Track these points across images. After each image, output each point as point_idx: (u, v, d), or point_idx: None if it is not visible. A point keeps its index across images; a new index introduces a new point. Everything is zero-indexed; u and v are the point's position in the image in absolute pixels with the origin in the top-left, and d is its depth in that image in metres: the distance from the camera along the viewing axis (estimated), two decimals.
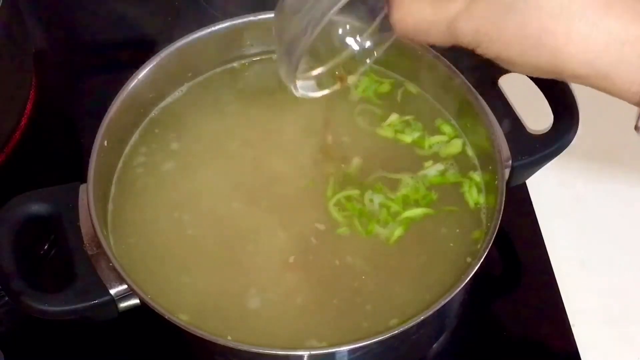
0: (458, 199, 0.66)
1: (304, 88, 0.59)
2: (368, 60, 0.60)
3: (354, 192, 0.65)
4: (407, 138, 0.69)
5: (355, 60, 0.60)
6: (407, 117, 0.70)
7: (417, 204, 0.65)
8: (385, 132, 0.69)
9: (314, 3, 0.49)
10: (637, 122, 0.44)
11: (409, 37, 0.50)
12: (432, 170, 0.67)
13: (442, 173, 0.67)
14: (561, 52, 0.44)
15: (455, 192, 0.66)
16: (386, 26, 0.54)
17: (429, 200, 0.65)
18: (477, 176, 0.67)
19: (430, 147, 0.68)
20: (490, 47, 0.46)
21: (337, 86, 0.61)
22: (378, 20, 0.56)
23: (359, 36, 0.58)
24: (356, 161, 0.68)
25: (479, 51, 0.47)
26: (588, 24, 0.43)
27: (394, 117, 0.70)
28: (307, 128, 0.70)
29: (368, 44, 0.58)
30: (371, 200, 0.65)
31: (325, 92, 0.61)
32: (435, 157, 0.68)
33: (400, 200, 0.65)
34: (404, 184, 0.66)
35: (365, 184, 0.66)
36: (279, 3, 0.54)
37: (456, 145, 0.68)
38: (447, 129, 0.70)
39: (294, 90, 0.58)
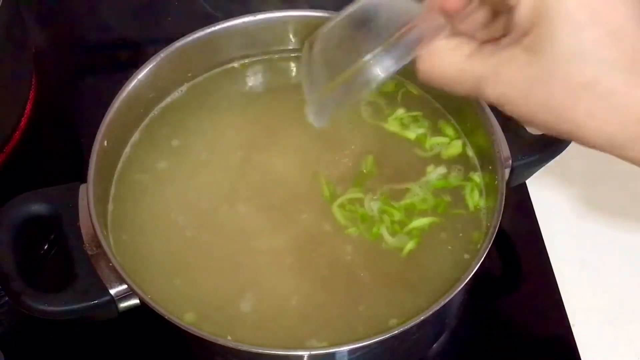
0: (459, 202, 0.66)
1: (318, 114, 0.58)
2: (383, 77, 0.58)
3: (357, 195, 0.65)
4: (411, 134, 0.69)
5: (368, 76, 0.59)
6: (415, 113, 0.70)
7: (424, 213, 0.64)
8: (392, 126, 0.69)
9: (352, 73, 0.50)
10: None
11: (432, 85, 0.50)
12: (435, 174, 0.67)
13: (445, 176, 0.67)
14: (581, 127, 0.45)
15: (455, 194, 0.66)
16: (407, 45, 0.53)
17: (441, 208, 0.65)
18: (477, 177, 0.67)
19: (431, 148, 0.68)
20: (514, 111, 0.47)
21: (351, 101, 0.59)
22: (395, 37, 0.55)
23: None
24: (358, 162, 0.68)
25: (501, 109, 0.48)
26: (610, 104, 0.44)
27: (401, 111, 0.70)
28: (308, 128, 0.70)
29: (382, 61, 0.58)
30: (370, 207, 0.65)
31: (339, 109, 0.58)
32: (437, 159, 0.68)
33: (403, 209, 0.64)
34: (412, 194, 0.65)
35: (366, 186, 0.66)
36: (307, 44, 0.53)
37: (457, 146, 0.68)
38: (448, 129, 0.70)
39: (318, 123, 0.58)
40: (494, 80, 0.46)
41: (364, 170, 0.67)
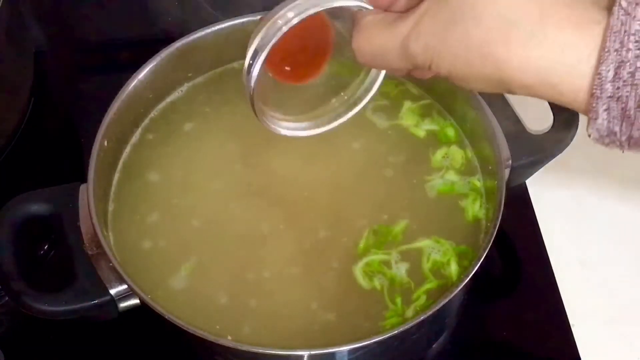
0: (456, 212, 0.66)
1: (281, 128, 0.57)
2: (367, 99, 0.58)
3: (382, 257, 0.63)
4: (421, 132, 0.69)
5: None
6: (425, 102, 0.70)
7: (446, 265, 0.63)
8: (407, 120, 0.70)
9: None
10: (587, 129, 0.45)
11: (370, 64, 0.51)
12: (441, 180, 0.67)
13: (452, 184, 0.67)
14: (504, 62, 0.44)
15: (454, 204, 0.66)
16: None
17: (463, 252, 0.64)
18: (477, 182, 0.67)
19: (443, 157, 0.68)
20: (440, 63, 0.47)
21: (311, 131, 0.59)
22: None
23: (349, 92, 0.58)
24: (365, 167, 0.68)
25: (432, 69, 0.47)
26: (526, 33, 0.43)
27: (408, 103, 0.70)
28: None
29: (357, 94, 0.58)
30: (397, 266, 0.63)
31: (300, 133, 0.58)
32: (445, 167, 0.68)
33: (430, 271, 0.63)
34: (429, 249, 0.64)
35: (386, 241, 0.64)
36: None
37: (458, 150, 0.68)
38: (448, 130, 0.70)
39: (267, 127, 0.56)
40: (416, 34, 0.47)
41: (376, 227, 0.65)
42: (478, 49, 0.44)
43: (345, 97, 0.57)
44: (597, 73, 0.42)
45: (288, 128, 0.57)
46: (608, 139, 0.44)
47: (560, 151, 0.66)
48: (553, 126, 0.66)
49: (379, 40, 0.49)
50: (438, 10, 0.46)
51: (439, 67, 0.47)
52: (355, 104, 0.57)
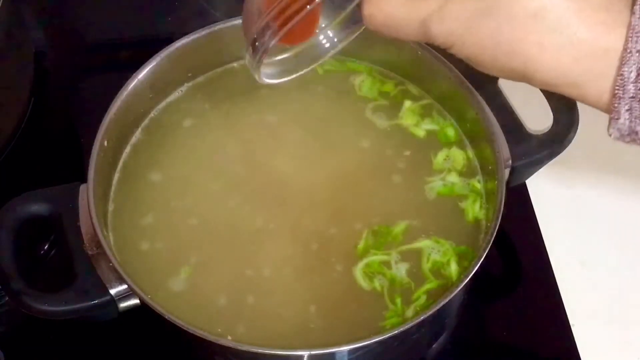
0: (456, 212, 0.65)
1: (268, 75, 0.57)
2: (332, 51, 0.58)
3: (382, 258, 0.63)
4: (421, 132, 0.69)
5: (319, 49, 0.58)
6: (425, 102, 0.70)
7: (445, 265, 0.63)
8: (407, 119, 0.70)
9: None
10: (608, 129, 0.44)
11: (379, 31, 0.49)
12: (441, 181, 0.67)
13: (452, 185, 0.66)
14: (533, 62, 0.44)
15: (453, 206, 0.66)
16: (355, 17, 0.53)
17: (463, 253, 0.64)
18: (478, 183, 0.66)
19: (445, 160, 0.68)
20: (463, 50, 0.46)
21: (301, 72, 0.59)
22: (348, 10, 0.54)
23: (326, 25, 0.56)
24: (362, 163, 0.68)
25: (451, 51, 0.46)
26: (562, 36, 0.43)
27: (408, 103, 0.70)
28: (308, 128, 0.70)
29: (333, 34, 0.57)
30: (398, 269, 0.63)
31: (288, 78, 0.59)
32: (447, 169, 0.68)
33: (430, 271, 0.63)
34: (429, 249, 0.63)
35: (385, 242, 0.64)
36: None
37: (459, 152, 0.68)
38: (448, 129, 0.70)
39: (257, 79, 0.56)
40: (440, 17, 0.45)
41: (376, 228, 0.65)
42: (509, 46, 0.44)
43: (327, 37, 0.56)
44: (619, 74, 0.42)
45: (271, 75, 0.57)
46: (629, 137, 0.44)
47: (560, 151, 0.66)
48: (553, 126, 0.66)
49: (397, 13, 0.47)
50: None
51: (459, 52, 0.46)
52: (338, 42, 0.56)
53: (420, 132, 0.69)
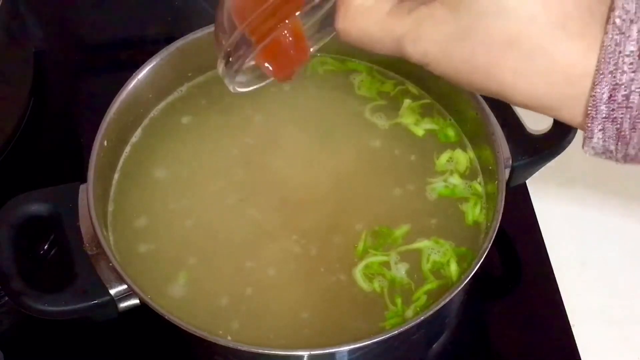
0: (457, 213, 0.65)
1: (241, 84, 0.55)
2: (322, 42, 0.55)
3: (381, 259, 0.63)
4: (420, 131, 0.69)
5: None
6: (425, 101, 0.70)
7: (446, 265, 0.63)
8: (407, 118, 0.70)
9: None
10: (583, 146, 0.45)
11: (352, 44, 0.49)
12: (443, 183, 0.67)
13: (453, 187, 0.66)
14: (509, 87, 0.44)
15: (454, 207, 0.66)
16: (328, 20, 0.51)
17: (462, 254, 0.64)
18: (478, 186, 0.66)
19: (447, 161, 0.68)
20: (438, 69, 0.46)
21: (268, 80, 0.56)
22: (319, 15, 0.52)
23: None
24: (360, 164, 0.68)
25: (426, 69, 0.46)
26: (536, 63, 0.43)
27: (408, 101, 0.70)
28: (308, 127, 0.70)
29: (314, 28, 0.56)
30: (398, 270, 0.63)
31: (263, 83, 0.56)
32: (449, 171, 0.67)
33: (430, 272, 0.63)
34: (428, 250, 0.63)
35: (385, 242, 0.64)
36: None
37: (463, 154, 0.68)
38: (448, 130, 0.70)
39: (231, 90, 0.54)
40: (415, 38, 0.45)
41: (376, 228, 0.65)
42: (484, 72, 0.44)
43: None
44: (592, 95, 0.42)
45: (244, 84, 0.55)
46: (604, 155, 0.45)
47: (560, 151, 0.66)
48: (553, 126, 0.66)
49: (371, 30, 0.46)
50: (444, 19, 0.44)
51: (434, 71, 0.46)
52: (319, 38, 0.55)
53: (420, 131, 0.69)
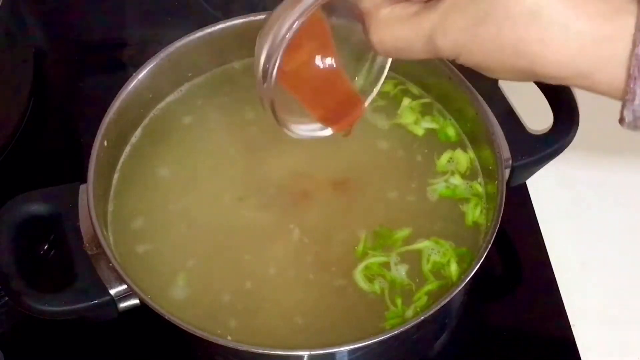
0: (457, 214, 0.65)
1: (307, 130, 0.58)
2: (375, 90, 0.59)
3: (381, 260, 0.63)
4: (420, 130, 0.69)
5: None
6: (425, 100, 0.70)
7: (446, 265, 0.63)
8: (406, 118, 0.70)
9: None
10: (621, 114, 0.44)
11: (393, 56, 0.51)
12: (444, 183, 0.67)
13: (454, 188, 0.66)
14: (539, 58, 0.44)
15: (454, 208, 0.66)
16: (376, 62, 0.55)
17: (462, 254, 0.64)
18: (479, 184, 0.66)
19: (448, 162, 0.68)
20: (470, 58, 0.47)
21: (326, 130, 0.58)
22: (369, 57, 0.56)
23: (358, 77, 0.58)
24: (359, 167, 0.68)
25: (459, 62, 0.47)
26: (561, 29, 0.43)
27: (407, 101, 0.70)
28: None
29: (366, 80, 0.58)
30: (398, 271, 0.63)
31: (327, 132, 0.58)
32: (450, 171, 0.67)
33: (430, 272, 0.63)
34: (428, 250, 0.63)
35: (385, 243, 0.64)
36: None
37: (464, 155, 0.68)
38: (449, 130, 0.70)
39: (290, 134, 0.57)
40: (443, 30, 0.46)
41: (377, 229, 0.65)
42: (512, 47, 0.44)
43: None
44: (633, 54, 0.42)
45: (307, 130, 0.57)
46: None
47: (560, 151, 0.66)
48: (553, 126, 0.66)
49: (402, 34, 0.48)
50: (466, 6, 0.45)
51: (467, 61, 0.47)
52: (365, 95, 0.57)
53: (420, 130, 0.69)
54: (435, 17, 0.47)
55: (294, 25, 0.49)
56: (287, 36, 0.49)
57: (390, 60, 0.56)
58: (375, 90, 0.58)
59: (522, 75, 0.46)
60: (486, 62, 0.46)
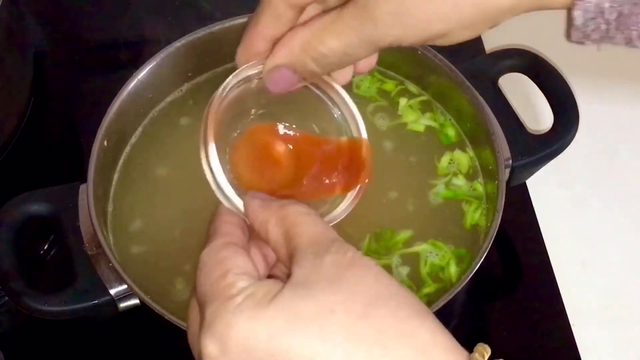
0: (457, 215, 0.65)
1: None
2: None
3: (384, 262, 0.62)
4: (420, 127, 0.69)
5: None
6: (423, 98, 0.70)
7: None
8: (407, 116, 0.69)
9: None
10: (568, 19, 0.41)
11: (337, 68, 0.49)
12: (445, 185, 0.66)
13: (455, 189, 0.66)
14: None
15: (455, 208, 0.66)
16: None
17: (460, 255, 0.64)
18: (479, 185, 0.66)
19: (449, 164, 0.68)
20: (405, 38, 0.43)
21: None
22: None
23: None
24: None
25: (401, 44, 0.44)
26: None
27: (404, 100, 0.70)
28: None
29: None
30: (399, 273, 0.63)
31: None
32: (452, 173, 0.67)
33: (428, 275, 0.63)
34: (426, 253, 0.63)
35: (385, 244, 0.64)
36: None
37: (464, 155, 0.68)
38: (449, 130, 0.70)
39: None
40: (373, 22, 0.43)
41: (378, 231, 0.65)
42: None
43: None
44: None
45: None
46: (593, 23, 0.40)
47: (560, 151, 0.66)
48: (553, 126, 0.66)
49: (335, 43, 0.46)
50: None
51: (403, 39, 0.43)
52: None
53: (420, 127, 0.69)
54: (358, 13, 0.43)
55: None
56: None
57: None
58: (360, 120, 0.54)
59: (475, 23, 0.42)
60: (429, 26, 0.42)
